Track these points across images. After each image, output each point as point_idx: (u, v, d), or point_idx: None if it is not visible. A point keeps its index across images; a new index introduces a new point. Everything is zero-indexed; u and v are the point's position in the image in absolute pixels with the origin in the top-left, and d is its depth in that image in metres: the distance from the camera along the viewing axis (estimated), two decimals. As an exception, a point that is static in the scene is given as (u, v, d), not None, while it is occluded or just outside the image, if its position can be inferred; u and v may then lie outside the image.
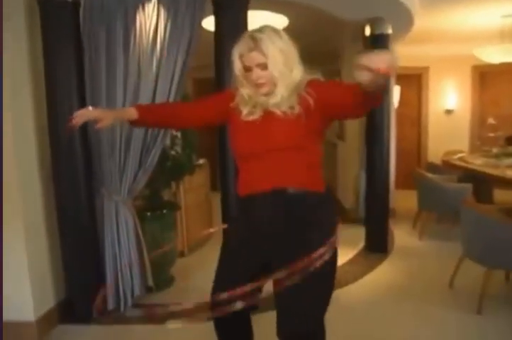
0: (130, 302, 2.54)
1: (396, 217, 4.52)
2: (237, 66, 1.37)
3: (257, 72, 1.34)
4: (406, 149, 6.00)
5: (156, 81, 2.31)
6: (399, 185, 5.05)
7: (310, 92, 1.35)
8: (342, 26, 3.82)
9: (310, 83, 1.39)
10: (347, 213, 4.81)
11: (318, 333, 1.39)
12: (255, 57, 1.33)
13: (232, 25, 2.35)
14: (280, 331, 1.34)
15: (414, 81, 6.03)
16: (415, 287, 2.91)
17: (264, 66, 1.33)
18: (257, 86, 1.36)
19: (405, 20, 3.54)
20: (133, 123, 1.48)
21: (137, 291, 2.55)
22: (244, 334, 1.59)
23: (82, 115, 1.38)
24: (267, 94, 1.37)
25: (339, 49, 4.93)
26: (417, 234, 3.98)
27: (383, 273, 3.19)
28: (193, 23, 2.33)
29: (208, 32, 2.65)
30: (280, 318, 1.35)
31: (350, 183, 4.73)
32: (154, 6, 2.29)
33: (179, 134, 2.79)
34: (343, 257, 3.49)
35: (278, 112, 1.36)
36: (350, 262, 3.43)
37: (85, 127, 2.34)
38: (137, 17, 2.30)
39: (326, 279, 1.38)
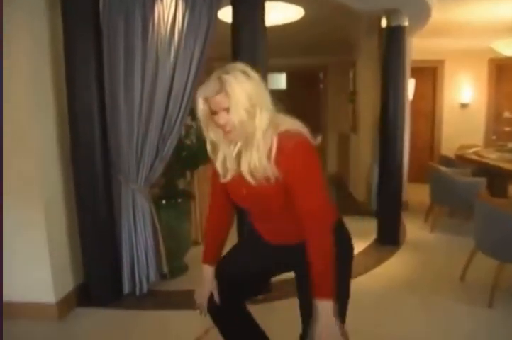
0: (145, 287, 2.60)
1: (408, 211, 4.52)
2: (202, 109, 1.26)
3: (223, 115, 1.23)
4: (420, 142, 5.96)
5: (174, 70, 2.35)
6: (412, 178, 5.03)
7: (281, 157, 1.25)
8: (357, 17, 3.80)
9: (292, 153, 1.25)
10: (358, 206, 4.83)
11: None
12: (220, 101, 1.21)
13: (249, 16, 2.37)
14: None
15: (429, 74, 5.97)
16: (425, 280, 2.92)
17: (229, 110, 1.23)
18: (224, 131, 1.26)
19: (422, 12, 3.51)
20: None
21: (152, 277, 2.61)
22: (242, 323, 1.62)
23: (202, 303, 1.51)
24: (233, 141, 1.29)
25: (354, 40, 4.91)
26: (428, 228, 3.97)
27: (394, 266, 3.20)
28: (210, 14, 2.35)
29: (225, 23, 2.67)
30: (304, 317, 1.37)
31: (362, 175, 4.73)
32: (172, -4, 2.32)
33: (194, 124, 2.81)
34: (355, 249, 3.51)
35: (250, 180, 1.27)
36: (362, 254, 3.45)
37: (103, 118, 2.40)
38: (156, 7, 2.33)
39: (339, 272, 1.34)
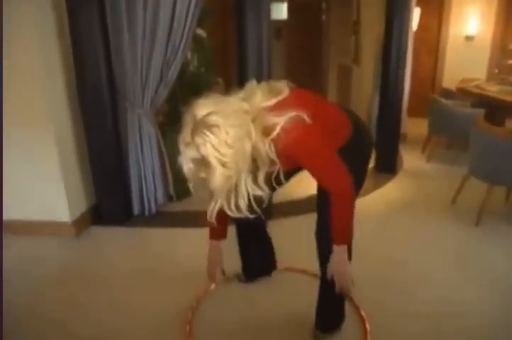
0: (153, 209, 2.76)
1: (406, 143, 4.60)
2: (193, 167, 1.22)
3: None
4: (422, 75, 5.87)
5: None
6: (413, 112, 5.03)
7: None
8: None
9: (292, 152, 1.30)
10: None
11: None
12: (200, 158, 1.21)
13: None
14: (318, 231, 1.59)
15: (435, 3, 5.71)
16: (418, 203, 3.09)
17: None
18: None
19: None
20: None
21: (160, 199, 2.76)
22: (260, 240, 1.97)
23: (213, 275, 1.74)
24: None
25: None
26: (425, 158, 4.09)
27: (390, 190, 3.36)
28: None
29: None
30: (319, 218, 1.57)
31: (363, 106, 4.75)
32: None
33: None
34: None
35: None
36: (358, 181, 3.60)
37: (107, 44, 2.37)
38: None
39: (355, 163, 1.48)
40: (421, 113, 4.88)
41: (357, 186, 1.49)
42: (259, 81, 2.59)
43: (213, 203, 1.35)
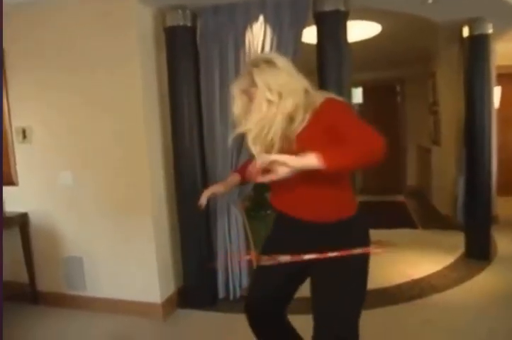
0: (238, 293, 2.79)
1: (498, 225, 4.29)
2: (241, 99, 1.43)
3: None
4: (510, 154, 5.63)
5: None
6: (503, 191, 4.78)
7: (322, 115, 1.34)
8: (436, 28, 3.78)
9: (327, 108, 1.35)
10: (442, 219, 4.68)
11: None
12: (254, 91, 1.38)
13: (333, 35, 2.53)
14: (316, 335, 1.38)
15: (517, 80, 5.65)
16: None
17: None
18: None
19: (508, 17, 3.42)
20: (242, 183, 1.75)
21: (244, 283, 2.79)
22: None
23: (204, 195, 1.72)
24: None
25: (433, 50, 4.85)
26: (523, 243, 3.77)
27: (485, 279, 3.08)
28: (296, 38, 2.53)
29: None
30: (316, 321, 1.39)
31: (447, 188, 4.59)
32: (261, 25, 2.53)
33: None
34: (441, 263, 3.43)
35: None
36: (449, 267, 3.36)
37: (201, 135, 2.67)
38: (246, 36, 2.56)
39: (357, 278, 1.41)
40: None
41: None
42: None
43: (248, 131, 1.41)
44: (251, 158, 1.53)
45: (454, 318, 2.50)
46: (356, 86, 6.56)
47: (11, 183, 2.86)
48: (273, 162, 1.21)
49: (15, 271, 2.90)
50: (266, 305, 1.61)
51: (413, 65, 5.81)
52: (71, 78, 2.63)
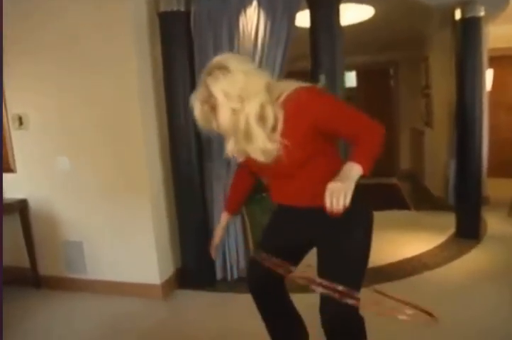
0: (235, 274, 2.88)
1: (489, 206, 4.39)
2: (201, 109, 1.35)
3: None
4: (501, 135, 5.71)
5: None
6: (494, 173, 4.87)
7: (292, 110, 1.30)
8: (429, 12, 3.80)
9: (305, 102, 1.30)
10: (435, 200, 4.78)
11: (355, 316, 1.42)
12: (212, 101, 1.31)
13: (326, 18, 2.56)
14: (322, 308, 1.41)
15: (510, 62, 5.69)
16: (507, 274, 2.86)
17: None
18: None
19: (499, 0, 3.44)
20: (234, 215, 1.80)
21: (242, 265, 2.87)
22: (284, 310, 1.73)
23: (214, 249, 1.79)
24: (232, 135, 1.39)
25: (426, 34, 4.86)
26: (512, 222, 3.87)
27: (474, 258, 3.18)
28: (289, 22, 2.55)
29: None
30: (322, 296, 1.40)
31: (439, 170, 4.68)
32: (254, 9, 2.55)
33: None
34: (433, 242, 3.53)
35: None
36: (440, 247, 3.46)
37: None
38: (240, 20, 2.57)
39: (360, 247, 1.44)
40: (504, 173, 4.70)
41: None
42: None
43: (228, 144, 1.41)
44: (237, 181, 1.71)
45: (444, 294, 2.60)
46: (349, 69, 6.57)
47: (9, 169, 2.89)
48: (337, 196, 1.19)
49: (16, 256, 2.96)
50: (270, 275, 1.62)
51: (407, 48, 5.82)
52: (65, 65, 2.64)
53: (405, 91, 6.42)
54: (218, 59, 1.34)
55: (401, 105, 6.56)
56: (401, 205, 4.95)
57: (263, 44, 2.55)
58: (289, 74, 3.51)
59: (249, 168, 1.59)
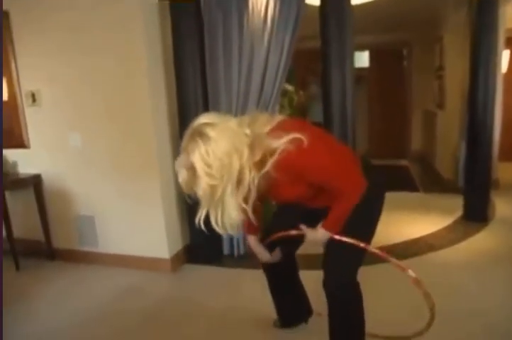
0: (242, 249, 2.95)
1: (499, 189, 4.37)
2: (187, 174, 1.30)
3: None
4: (515, 118, 5.61)
5: (267, 55, 2.58)
6: (506, 156, 4.83)
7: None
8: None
9: (292, 163, 1.31)
10: (445, 182, 4.77)
11: (353, 287, 1.61)
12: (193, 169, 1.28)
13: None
14: (324, 280, 1.60)
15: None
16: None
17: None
18: None
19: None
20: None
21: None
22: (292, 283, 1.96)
23: (262, 250, 1.79)
24: None
25: (441, 14, 4.75)
26: (522, 206, 3.86)
27: (481, 240, 3.19)
28: (299, 1, 2.53)
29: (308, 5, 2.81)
30: (324, 267, 1.60)
31: (449, 152, 4.66)
32: (264, -12, 2.52)
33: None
34: (440, 224, 3.55)
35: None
36: (447, 228, 3.48)
37: (206, 101, 2.71)
38: (250, 1, 2.55)
39: (360, 228, 1.57)
40: (515, 157, 4.66)
41: (369, 235, 1.61)
42: (343, 126, 2.74)
43: (200, 211, 1.36)
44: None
45: (447, 274, 2.64)
46: (362, 49, 6.46)
47: (23, 145, 2.97)
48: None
49: (32, 230, 3.07)
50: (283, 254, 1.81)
51: (421, 29, 5.69)
52: (77, 42, 2.67)
53: (419, 72, 6.32)
54: (200, 122, 1.29)
55: (414, 86, 6.46)
56: (411, 186, 4.96)
57: (272, 25, 2.53)
58: (298, 53, 3.51)
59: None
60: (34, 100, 2.86)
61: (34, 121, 2.92)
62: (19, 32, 2.77)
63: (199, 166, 1.23)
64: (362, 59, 6.63)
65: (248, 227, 1.76)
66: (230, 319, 2.25)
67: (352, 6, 2.60)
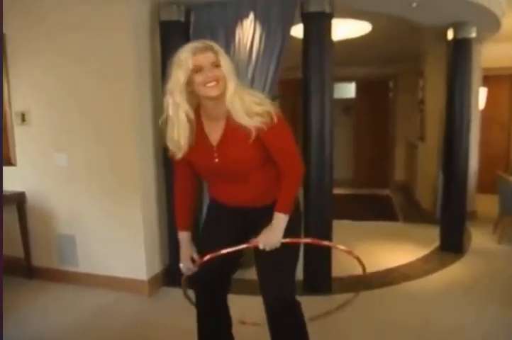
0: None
1: (476, 221, 4.48)
2: (188, 66, 1.39)
3: (209, 69, 1.39)
4: (493, 152, 5.81)
5: (252, 82, 2.70)
6: (484, 189, 4.96)
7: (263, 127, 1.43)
8: (424, 29, 3.91)
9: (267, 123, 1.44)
10: (424, 213, 4.87)
11: (294, 302, 1.59)
12: (209, 56, 1.39)
13: (318, 33, 2.67)
14: (265, 298, 1.58)
15: (505, 82, 5.80)
16: (485, 287, 2.94)
17: (217, 64, 1.40)
18: (206, 88, 1.40)
19: (490, 23, 3.56)
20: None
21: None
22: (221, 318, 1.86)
23: (188, 265, 1.68)
24: (216, 98, 1.43)
25: (422, 50, 4.99)
26: (496, 239, 3.93)
27: (454, 271, 3.26)
28: (283, 34, 2.68)
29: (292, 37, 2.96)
30: (262, 285, 1.60)
31: (429, 183, 4.78)
32: (251, 21, 2.68)
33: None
34: (416, 254, 3.62)
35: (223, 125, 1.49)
36: (422, 259, 3.54)
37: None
38: (237, 31, 2.70)
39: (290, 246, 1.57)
40: (493, 190, 4.78)
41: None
42: (321, 153, 2.77)
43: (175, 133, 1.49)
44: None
45: (420, 304, 2.69)
46: (349, 80, 6.68)
47: (10, 163, 3.03)
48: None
49: (11, 246, 3.07)
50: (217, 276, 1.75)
51: (406, 62, 5.95)
52: (68, 66, 2.78)
53: (404, 104, 6.53)
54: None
55: (399, 118, 6.66)
56: (391, 216, 5.06)
57: (257, 55, 2.68)
58: (282, 83, 3.67)
59: (194, 169, 1.61)
60: (24, 119, 2.94)
61: (22, 140, 2.99)
62: (15, 55, 2.88)
63: (225, 58, 1.42)
64: (349, 90, 6.85)
65: (181, 216, 1.69)
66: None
67: (333, 42, 2.76)
